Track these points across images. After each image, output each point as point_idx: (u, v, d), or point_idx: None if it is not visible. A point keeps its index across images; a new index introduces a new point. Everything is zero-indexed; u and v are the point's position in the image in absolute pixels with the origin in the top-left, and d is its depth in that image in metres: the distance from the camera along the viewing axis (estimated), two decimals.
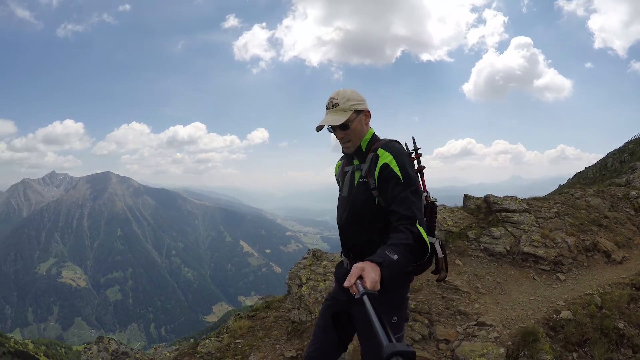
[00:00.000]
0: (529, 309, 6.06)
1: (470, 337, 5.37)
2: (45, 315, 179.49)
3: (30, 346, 69.38)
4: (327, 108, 2.78)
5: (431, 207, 2.82)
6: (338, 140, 2.85)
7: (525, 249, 7.73)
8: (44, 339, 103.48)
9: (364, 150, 2.82)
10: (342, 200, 2.96)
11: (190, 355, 6.20)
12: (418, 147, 2.99)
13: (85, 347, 6.45)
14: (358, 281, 1.90)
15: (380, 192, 2.64)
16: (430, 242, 2.57)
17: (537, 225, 8.52)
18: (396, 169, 2.58)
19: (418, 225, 2.40)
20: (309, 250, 8.06)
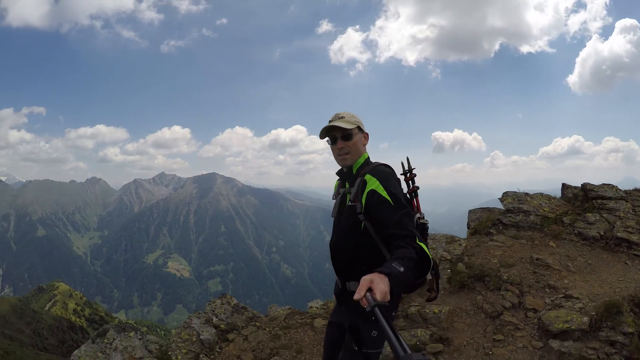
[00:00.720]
0: (616, 288, 6.32)
1: (556, 307, 5.81)
2: (149, 300, 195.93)
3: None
4: (330, 121, 2.92)
5: (422, 229, 2.85)
6: (334, 153, 2.99)
7: (619, 234, 7.80)
8: (146, 320, 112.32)
9: (354, 173, 2.95)
10: (334, 223, 3.08)
11: (301, 314, 7.22)
12: (412, 167, 3.14)
13: (209, 302, 7.70)
14: (368, 293, 1.89)
15: (371, 217, 2.70)
16: (432, 258, 2.58)
17: (633, 212, 8.52)
18: (384, 194, 2.63)
19: (419, 242, 2.42)
20: None
